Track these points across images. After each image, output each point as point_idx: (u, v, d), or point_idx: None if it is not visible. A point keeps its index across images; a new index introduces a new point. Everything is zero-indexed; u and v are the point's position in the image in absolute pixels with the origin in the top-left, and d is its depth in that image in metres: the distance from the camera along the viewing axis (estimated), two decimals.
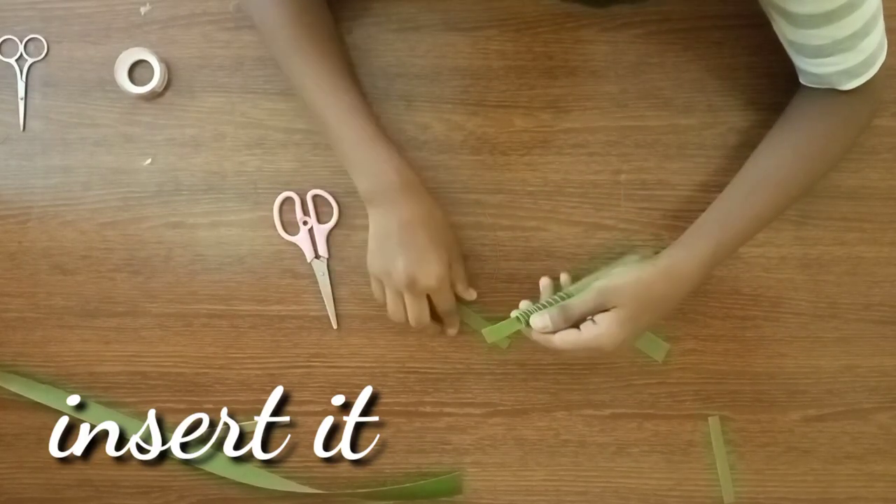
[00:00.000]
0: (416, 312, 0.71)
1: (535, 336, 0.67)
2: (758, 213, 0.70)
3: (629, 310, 0.64)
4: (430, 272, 0.69)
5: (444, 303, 0.72)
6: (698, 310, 0.78)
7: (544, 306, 0.67)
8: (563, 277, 0.72)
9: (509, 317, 0.68)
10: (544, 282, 0.71)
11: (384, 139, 0.71)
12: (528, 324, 0.67)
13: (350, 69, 0.75)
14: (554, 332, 0.66)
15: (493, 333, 0.69)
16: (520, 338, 0.75)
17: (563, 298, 0.67)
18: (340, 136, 0.71)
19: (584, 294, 0.66)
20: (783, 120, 0.73)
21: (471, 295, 0.75)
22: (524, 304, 0.69)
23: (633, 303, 0.64)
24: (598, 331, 0.64)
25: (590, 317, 0.65)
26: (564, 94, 0.77)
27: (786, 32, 0.68)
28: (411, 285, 0.69)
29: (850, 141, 0.73)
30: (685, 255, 0.67)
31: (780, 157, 0.70)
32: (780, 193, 0.70)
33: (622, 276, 0.66)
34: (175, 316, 0.78)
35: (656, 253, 0.70)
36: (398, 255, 0.69)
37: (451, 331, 0.76)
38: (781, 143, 0.71)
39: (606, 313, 0.64)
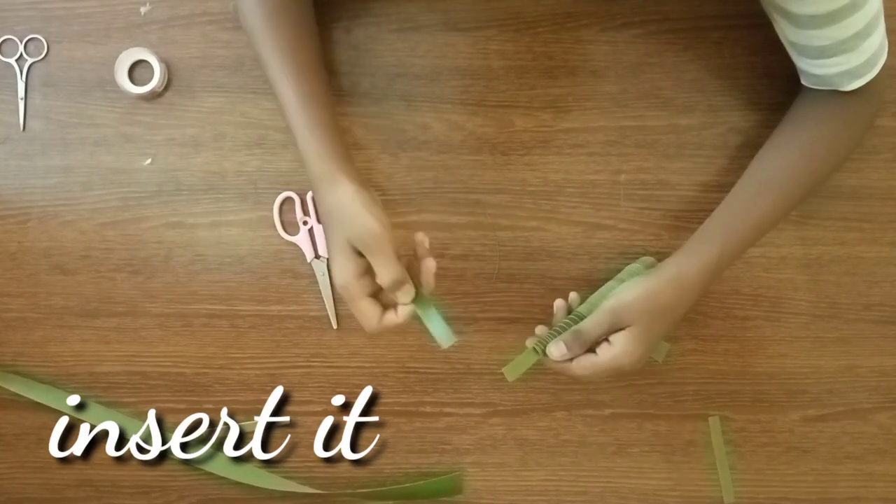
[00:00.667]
0: (358, 318, 0.65)
1: (553, 365, 0.66)
2: (763, 215, 0.69)
3: (642, 325, 0.64)
4: (336, 273, 0.64)
5: (353, 308, 0.64)
6: (698, 310, 0.78)
7: (559, 331, 0.66)
8: (573, 296, 0.71)
9: (525, 347, 0.67)
10: (559, 303, 0.70)
11: (309, 128, 0.66)
12: (544, 353, 0.66)
13: (312, 56, 0.71)
14: (571, 358, 0.65)
15: (514, 370, 0.67)
16: (520, 338, 0.75)
17: (574, 321, 0.67)
18: (289, 126, 0.68)
19: (596, 316, 0.65)
20: (786, 122, 0.73)
21: (420, 239, 0.65)
22: (540, 330, 0.68)
23: (645, 317, 0.64)
24: (614, 352, 0.64)
25: (605, 338, 0.65)
26: (564, 94, 0.77)
27: (787, 33, 0.67)
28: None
29: (853, 142, 0.73)
30: (691, 262, 0.67)
31: (784, 159, 0.70)
32: (784, 196, 0.70)
33: (630, 292, 0.65)
34: (175, 316, 0.78)
35: (659, 261, 0.70)
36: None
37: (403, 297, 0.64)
38: (785, 145, 0.71)
39: (621, 332, 0.64)
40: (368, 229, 0.62)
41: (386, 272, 0.62)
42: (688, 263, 0.67)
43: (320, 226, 0.77)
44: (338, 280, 0.63)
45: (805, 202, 0.77)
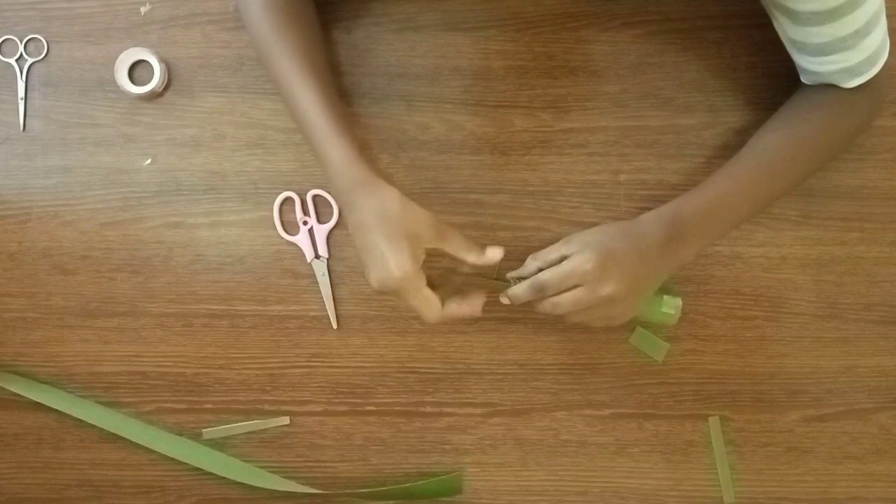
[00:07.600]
0: (420, 310, 0.66)
1: (521, 291, 0.67)
2: (732, 186, 0.69)
3: (596, 242, 0.65)
4: (389, 272, 0.63)
5: (415, 300, 0.65)
6: (698, 310, 0.78)
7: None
8: None
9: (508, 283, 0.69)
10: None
11: (336, 135, 0.67)
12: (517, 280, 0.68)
13: (324, 64, 0.73)
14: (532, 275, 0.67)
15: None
16: (521, 338, 0.75)
17: None
18: (305, 136, 0.70)
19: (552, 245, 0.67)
20: (782, 108, 0.73)
21: (495, 255, 0.68)
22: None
23: (597, 236, 0.66)
24: (574, 261, 0.64)
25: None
26: (564, 94, 0.77)
27: (787, 30, 0.68)
28: (385, 291, 0.65)
29: (844, 135, 0.73)
30: (648, 213, 0.68)
31: (772, 138, 0.71)
32: (764, 173, 0.70)
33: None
34: (175, 316, 0.78)
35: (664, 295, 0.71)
36: (365, 263, 0.66)
37: (468, 310, 0.68)
38: (775, 126, 0.71)
39: (577, 251, 0.65)
40: (430, 221, 0.66)
41: (468, 251, 0.67)
42: (645, 214, 0.69)
43: (321, 226, 0.77)
44: (399, 272, 0.63)
45: (805, 202, 0.77)
